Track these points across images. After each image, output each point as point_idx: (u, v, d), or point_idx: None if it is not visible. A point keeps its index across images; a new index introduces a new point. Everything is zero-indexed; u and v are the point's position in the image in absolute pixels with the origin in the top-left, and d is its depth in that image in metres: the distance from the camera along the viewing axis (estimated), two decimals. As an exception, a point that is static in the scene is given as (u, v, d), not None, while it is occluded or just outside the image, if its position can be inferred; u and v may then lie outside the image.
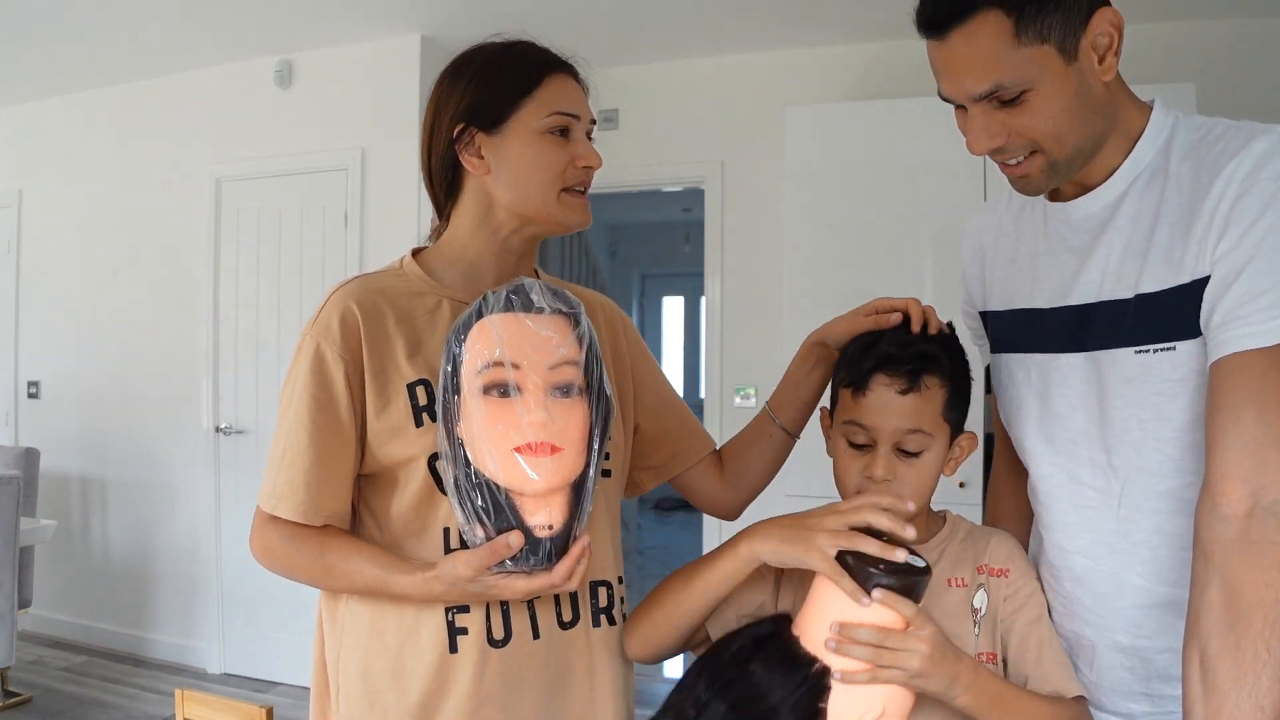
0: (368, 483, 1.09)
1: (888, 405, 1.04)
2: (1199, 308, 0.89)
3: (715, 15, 3.39)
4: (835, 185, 3.17)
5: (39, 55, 3.81)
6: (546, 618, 1.07)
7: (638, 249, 8.29)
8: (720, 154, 3.77)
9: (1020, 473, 1.17)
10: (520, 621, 1.05)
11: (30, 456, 3.76)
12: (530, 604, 1.05)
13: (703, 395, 3.91)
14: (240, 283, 3.89)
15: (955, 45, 0.91)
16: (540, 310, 0.95)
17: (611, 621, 1.13)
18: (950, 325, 1.12)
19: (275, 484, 1.04)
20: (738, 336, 3.75)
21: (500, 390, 0.92)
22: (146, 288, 4.10)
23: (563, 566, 0.94)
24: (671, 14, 3.38)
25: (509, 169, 1.09)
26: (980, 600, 1.10)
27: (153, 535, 4.09)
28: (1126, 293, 0.95)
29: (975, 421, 3.36)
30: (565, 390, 0.94)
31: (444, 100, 1.12)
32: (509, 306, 0.95)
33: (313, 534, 1.04)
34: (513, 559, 0.93)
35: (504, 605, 1.04)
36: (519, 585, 0.95)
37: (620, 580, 1.17)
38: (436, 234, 1.19)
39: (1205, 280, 0.88)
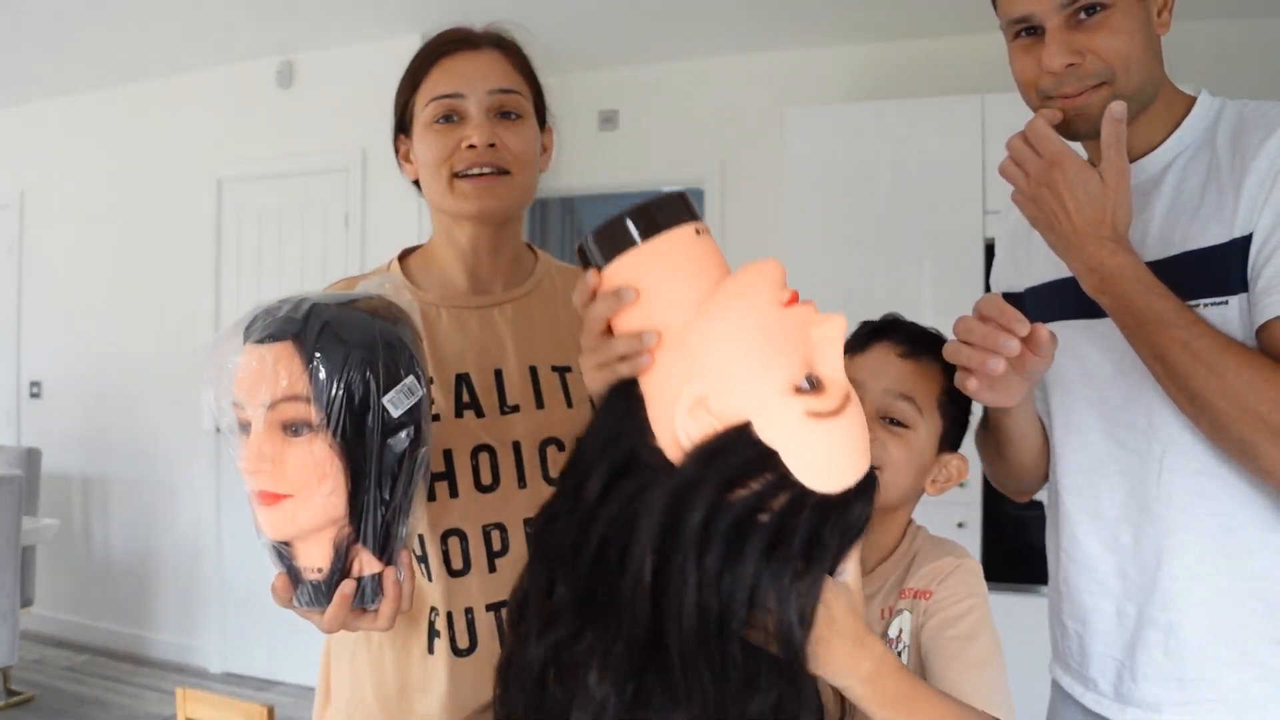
0: None
1: (883, 364, 1.00)
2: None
3: (715, 15, 3.39)
4: (835, 185, 3.17)
5: (40, 55, 3.81)
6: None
7: (638, 249, 8.28)
8: (720, 154, 3.77)
9: None
10: (486, 630, 1.03)
11: (32, 456, 3.77)
12: (497, 613, 1.03)
13: (703, 395, 3.91)
14: (240, 283, 3.89)
15: None
16: (262, 340, 0.81)
17: None
18: None
19: None
20: (738, 336, 3.75)
21: (244, 428, 0.82)
22: (148, 288, 4.11)
23: (328, 615, 0.84)
24: (671, 14, 3.38)
25: (419, 166, 1.08)
26: (898, 627, 0.99)
27: (154, 534, 4.10)
28: (1172, 251, 0.95)
29: (975, 419, 3.35)
30: (295, 429, 0.80)
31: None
32: (246, 334, 0.83)
33: None
34: (298, 598, 0.85)
35: (467, 614, 1.02)
36: (313, 620, 0.87)
37: None
38: None
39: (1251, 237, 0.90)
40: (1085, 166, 0.91)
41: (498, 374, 1.08)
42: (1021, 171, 0.94)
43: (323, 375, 0.80)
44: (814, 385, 0.68)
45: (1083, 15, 0.93)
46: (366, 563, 0.84)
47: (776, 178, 3.44)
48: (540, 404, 1.08)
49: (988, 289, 3.38)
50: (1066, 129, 0.98)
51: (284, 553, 0.84)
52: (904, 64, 3.49)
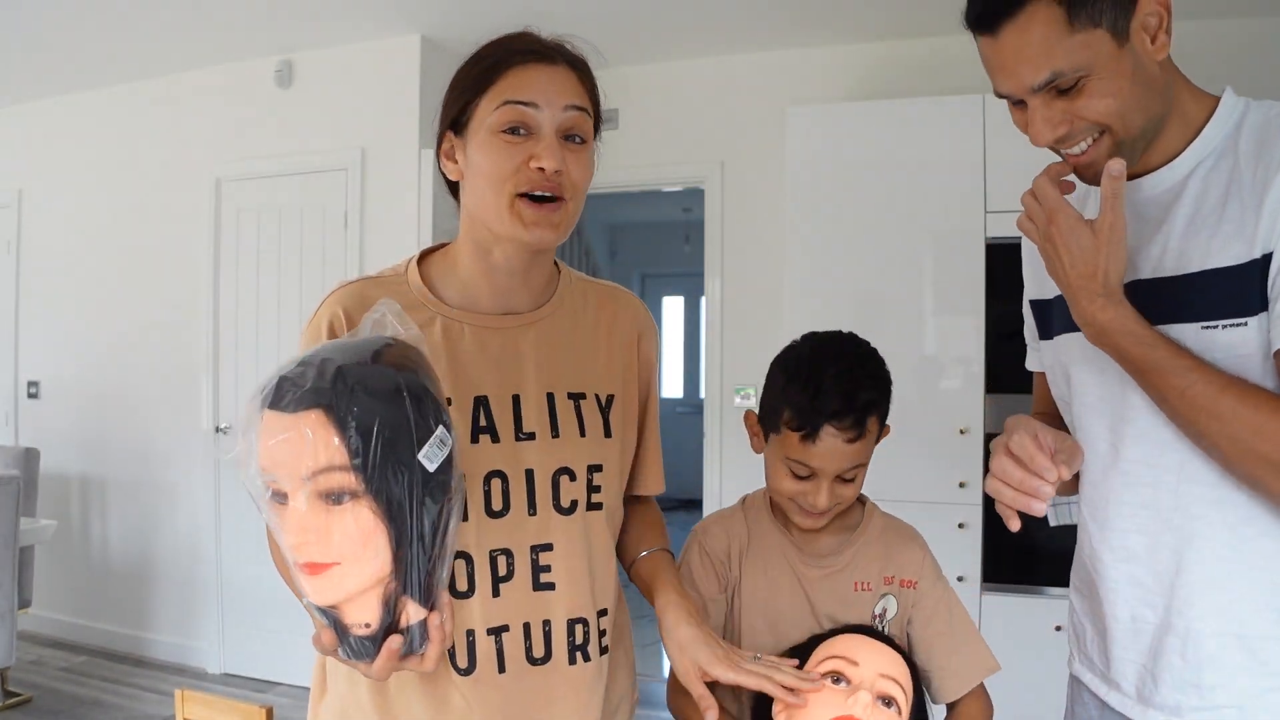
0: None
1: (835, 451, 1.12)
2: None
3: (715, 15, 3.39)
4: (835, 185, 3.16)
5: (39, 55, 3.81)
6: (514, 651, 1.02)
7: (638, 249, 8.29)
8: (720, 154, 3.77)
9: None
10: (485, 653, 1.02)
11: (30, 456, 3.76)
12: (498, 637, 1.02)
13: (703, 395, 3.91)
14: (240, 283, 3.89)
15: (1008, 39, 0.91)
16: (291, 409, 0.79)
17: (587, 658, 1.07)
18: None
19: None
20: (738, 336, 3.75)
21: (279, 498, 0.81)
22: (146, 287, 4.10)
23: (376, 666, 0.84)
24: (671, 14, 3.38)
25: (470, 173, 1.02)
26: (885, 608, 1.22)
27: (153, 535, 4.09)
28: (1191, 268, 0.94)
29: (975, 421, 3.33)
30: (336, 498, 0.80)
31: (441, 108, 1.07)
32: (272, 402, 0.81)
33: None
34: (343, 650, 0.85)
35: (469, 635, 1.01)
36: (361, 670, 0.86)
37: (604, 613, 1.10)
38: None
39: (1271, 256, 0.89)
40: (1078, 222, 0.93)
41: (515, 400, 1.06)
42: (1033, 225, 0.98)
43: (358, 442, 0.79)
44: None
45: (1058, 91, 0.91)
46: (413, 612, 0.85)
47: (777, 177, 3.44)
48: (556, 433, 1.07)
49: (988, 289, 3.38)
50: (1081, 177, 0.99)
51: (329, 612, 0.84)
52: (904, 64, 3.48)
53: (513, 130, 0.99)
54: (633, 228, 8.10)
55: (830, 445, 1.12)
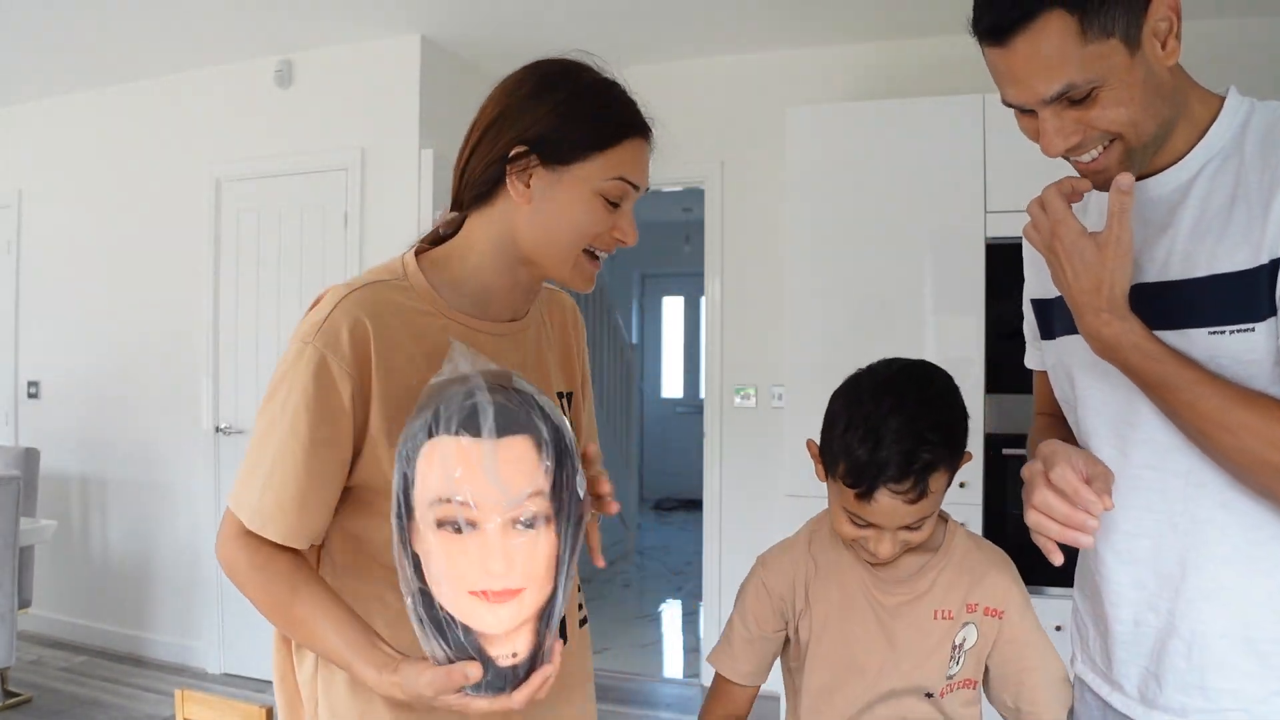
0: (347, 500, 1.02)
1: (894, 510, 1.06)
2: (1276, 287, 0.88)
3: (715, 15, 3.39)
4: (835, 185, 3.16)
5: (39, 55, 3.81)
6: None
7: (638, 249, 8.15)
8: (720, 154, 3.77)
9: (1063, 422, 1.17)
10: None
11: (30, 456, 3.76)
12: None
13: (703, 395, 3.91)
14: (240, 283, 3.89)
15: (1019, 50, 0.89)
16: (496, 436, 0.80)
17: (565, 639, 1.08)
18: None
19: (262, 502, 0.98)
20: (738, 336, 3.75)
21: (454, 527, 0.80)
22: (146, 288, 4.10)
23: (522, 695, 0.85)
24: (671, 14, 3.38)
25: (549, 211, 1.02)
26: (965, 637, 1.12)
27: (153, 535, 4.09)
28: (1198, 272, 0.93)
29: (975, 418, 3.33)
30: (530, 523, 0.81)
31: (515, 110, 1.02)
32: (462, 430, 0.80)
33: (285, 571, 0.98)
34: (474, 686, 0.84)
35: None
36: (480, 706, 0.86)
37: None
38: (446, 227, 1.10)
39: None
40: (1081, 235, 0.92)
41: None
42: (1038, 235, 0.97)
43: (553, 468, 0.82)
44: None
45: (1070, 101, 0.90)
46: (552, 641, 0.87)
47: (776, 178, 3.44)
48: None
49: (989, 289, 3.38)
50: (1094, 184, 0.97)
51: (475, 642, 0.83)
52: (904, 64, 3.49)
53: (615, 203, 1.03)
54: (632, 228, 8.09)
55: (889, 505, 1.05)
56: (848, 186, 3.14)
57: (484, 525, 0.79)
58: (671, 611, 5.15)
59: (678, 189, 4.20)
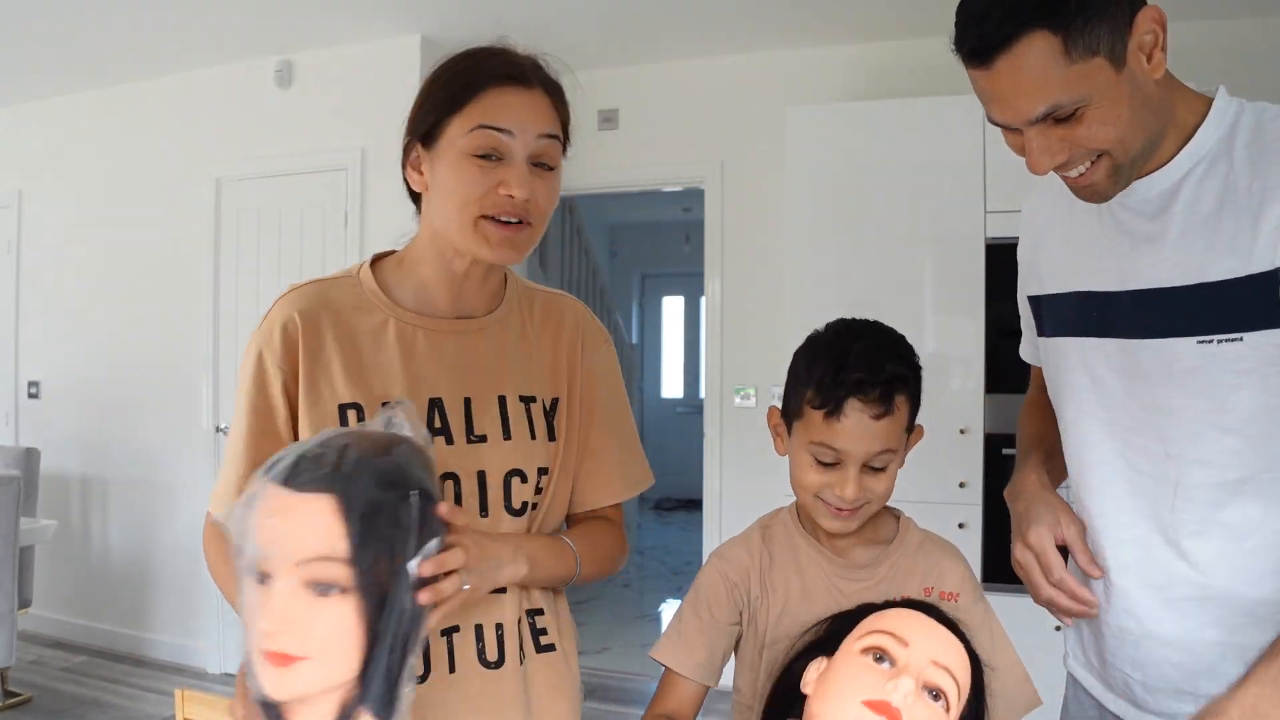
0: None
1: (861, 429, 1.06)
2: (1271, 298, 0.87)
3: (715, 15, 3.39)
4: (835, 185, 3.17)
5: (39, 55, 3.81)
6: (465, 653, 1.03)
7: (638, 249, 8.29)
8: (720, 154, 3.77)
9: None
10: (438, 655, 1.02)
11: (30, 456, 3.76)
12: (449, 638, 1.02)
13: (703, 396, 3.91)
14: (240, 283, 3.89)
15: (1002, 72, 0.87)
16: (303, 489, 0.77)
17: (521, 660, 1.07)
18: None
19: (217, 489, 1.05)
20: (738, 336, 3.75)
21: (260, 578, 0.77)
22: (146, 288, 4.10)
23: None
24: (671, 14, 3.38)
25: (436, 189, 1.04)
26: None
27: (153, 535, 4.09)
28: (1187, 280, 0.92)
29: (975, 419, 3.32)
30: (324, 589, 0.76)
31: (412, 109, 1.08)
32: (285, 478, 0.78)
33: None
34: None
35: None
36: None
37: (540, 612, 1.11)
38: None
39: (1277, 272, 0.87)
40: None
41: (467, 402, 1.07)
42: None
43: (360, 537, 0.76)
44: None
45: (1056, 120, 0.89)
46: None
47: (776, 178, 3.44)
48: (507, 435, 1.08)
49: (988, 289, 3.38)
50: (1078, 196, 0.97)
51: (273, 707, 0.79)
52: (904, 64, 3.48)
53: (485, 156, 1.00)
54: (632, 228, 8.10)
55: (856, 422, 1.05)
56: (847, 186, 3.15)
57: (274, 581, 0.76)
58: (671, 611, 5.13)
59: (678, 189, 4.20)
